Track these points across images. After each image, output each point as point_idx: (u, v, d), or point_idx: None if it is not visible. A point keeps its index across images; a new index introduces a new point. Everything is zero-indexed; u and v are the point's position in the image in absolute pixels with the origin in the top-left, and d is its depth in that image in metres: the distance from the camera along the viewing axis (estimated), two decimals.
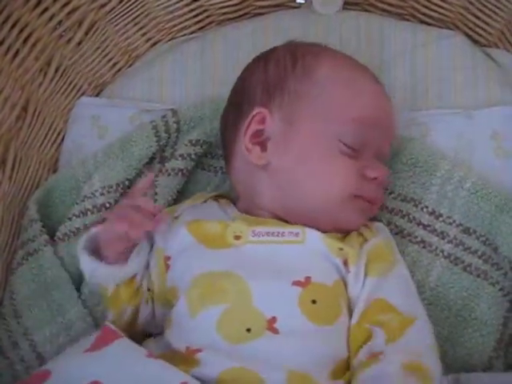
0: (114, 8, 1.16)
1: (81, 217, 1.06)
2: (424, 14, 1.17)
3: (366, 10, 1.20)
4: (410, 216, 1.03)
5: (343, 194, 0.90)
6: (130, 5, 1.17)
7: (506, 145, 1.07)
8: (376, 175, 0.92)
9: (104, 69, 1.21)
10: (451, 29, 1.16)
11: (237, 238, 0.89)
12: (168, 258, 0.93)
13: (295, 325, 0.83)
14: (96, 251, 0.91)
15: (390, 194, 1.05)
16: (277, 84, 0.95)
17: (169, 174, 1.08)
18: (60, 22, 1.11)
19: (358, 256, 0.88)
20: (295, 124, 0.92)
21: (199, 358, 0.81)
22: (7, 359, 1.01)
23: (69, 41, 1.14)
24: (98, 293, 0.97)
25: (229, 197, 1.02)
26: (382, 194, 0.96)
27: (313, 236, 0.88)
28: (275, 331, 0.81)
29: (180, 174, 1.08)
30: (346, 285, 0.88)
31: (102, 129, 1.18)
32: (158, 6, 1.19)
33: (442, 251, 1.01)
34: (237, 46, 1.18)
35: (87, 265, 0.91)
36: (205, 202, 1.00)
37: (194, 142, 1.09)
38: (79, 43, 1.16)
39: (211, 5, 1.21)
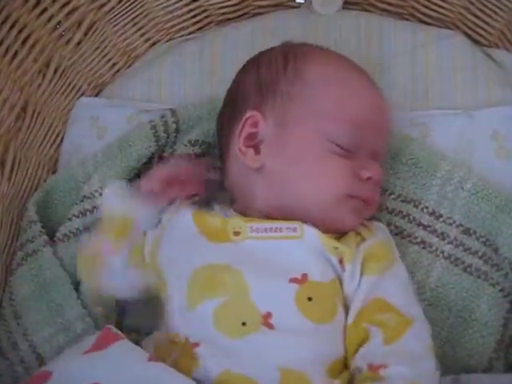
0: (113, 8, 1.16)
1: (80, 217, 1.06)
2: (424, 14, 1.16)
3: (366, 10, 1.19)
4: (411, 217, 1.03)
5: (337, 195, 0.90)
6: (129, 5, 1.17)
7: (506, 145, 1.06)
8: (370, 175, 0.91)
9: (103, 69, 1.21)
10: (451, 29, 1.16)
11: (236, 234, 0.89)
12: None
13: (291, 321, 0.83)
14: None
15: (390, 194, 1.05)
16: (269, 86, 0.95)
17: None
18: (59, 23, 1.11)
19: (354, 255, 0.88)
20: (288, 126, 0.92)
21: (197, 355, 0.81)
22: (7, 360, 1.01)
23: (68, 41, 1.14)
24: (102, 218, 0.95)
25: (226, 198, 1.02)
26: (378, 194, 0.96)
27: (310, 232, 0.88)
28: (270, 327, 0.82)
29: None
30: (341, 283, 0.88)
31: (101, 129, 1.18)
32: (157, 6, 1.19)
33: (443, 252, 1.01)
34: (236, 46, 1.18)
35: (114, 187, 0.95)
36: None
37: (192, 142, 1.09)
38: (78, 44, 1.16)
39: (210, 5, 1.20)
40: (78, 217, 1.06)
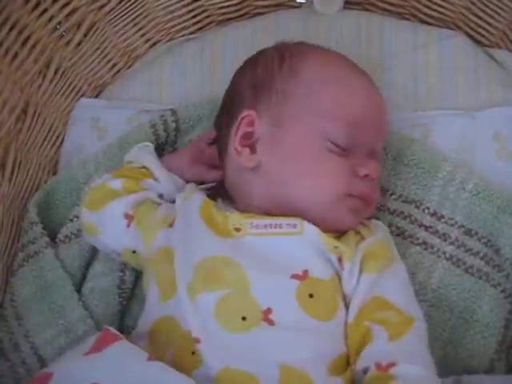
0: (113, 9, 1.16)
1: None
2: (425, 14, 1.16)
3: (367, 10, 1.19)
4: (412, 217, 1.03)
5: (335, 193, 0.89)
6: (130, 5, 1.17)
7: (508, 146, 1.06)
8: (367, 172, 0.91)
9: (103, 70, 1.21)
10: (452, 29, 1.16)
11: (237, 230, 0.89)
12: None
13: (291, 318, 0.83)
14: None
15: (392, 195, 1.05)
16: (264, 85, 0.94)
17: None
18: (59, 24, 1.11)
19: (353, 253, 0.87)
20: (283, 125, 0.92)
21: (198, 351, 0.81)
22: (9, 361, 1.02)
23: (68, 42, 1.14)
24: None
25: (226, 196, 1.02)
26: (376, 193, 0.95)
27: (310, 229, 0.88)
28: (271, 322, 0.81)
29: None
30: (340, 281, 0.87)
31: (102, 130, 1.17)
32: (158, 6, 1.18)
33: (444, 253, 1.01)
34: (236, 46, 1.18)
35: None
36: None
37: None
38: (78, 44, 1.16)
39: (211, 5, 1.20)
40: (79, 218, 1.06)
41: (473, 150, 1.07)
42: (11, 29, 1.02)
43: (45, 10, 1.07)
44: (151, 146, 1.07)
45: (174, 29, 1.22)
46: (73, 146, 1.17)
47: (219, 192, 0.99)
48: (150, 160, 1.03)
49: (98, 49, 1.18)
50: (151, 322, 0.87)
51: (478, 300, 0.98)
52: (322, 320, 0.84)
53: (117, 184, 0.99)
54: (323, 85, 0.93)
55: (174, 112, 1.11)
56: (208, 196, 0.95)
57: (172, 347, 0.82)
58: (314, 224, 0.88)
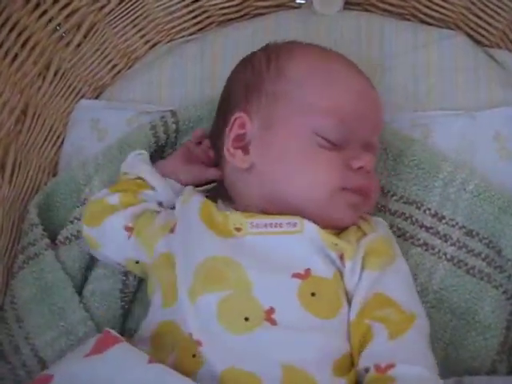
0: (112, 10, 1.16)
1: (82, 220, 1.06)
2: (425, 14, 1.16)
3: (367, 10, 1.19)
4: (413, 218, 1.03)
5: (329, 188, 0.88)
6: (129, 6, 1.17)
7: (508, 146, 1.06)
8: (361, 164, 0.90)
9: (103, 71, 1.20)
10: (452, 29, 1.15)
11: (238, 229, 0.89)
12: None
13: (294, 317, 0.83)
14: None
15: (393, 196, 1.05)
16: (254, 88, 0.95)
17: None
18: (59, 25, 1.11)
19: (355, 251, 0.87)
20: (273, 126, 0.92)
21: (200, 354, 0.81)
22: (9, 364, 1.01)
23: (68, 43, 1.14)
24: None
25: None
26: (374, 186, 0.94)
27: (310, 227, 0.87)
28: (273, 322, 0.81)
29: None
30: (342, 278, 0.87)
31: (102, 131, 1.17)
32: (158, 7, 1.18)
33: (445, 254, 1.01)
34: (237, 47, 1.17)
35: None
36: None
37: None
38: (78, 46, 1.15)
39: (211, 5, 1.20)
40: (79, 219, 1.06)
41: (473, 150, 1.07)
42: (11, 30, 1.02)
43: (45, 12, 1.07)
44: (145, 153, 1.06)
45: (174, 30, 1.22)
46: (73, 148, 1.17)
47: (219, 193, 0.99)
48: (144, 169, 1.03)
49: (97, 50, 1.18)
50: (154, 326, 0.87)
51: (480, 301, 0.98)
52: (325, 318, 0.83)
53: (114, 199, 0.99)
54: (310, 81, 0.93)
55: (173, 113, 1.11)
56: (208, 198, 0.95)
57: (174, 351, 0.82)
58: (314, 222, 0.87)
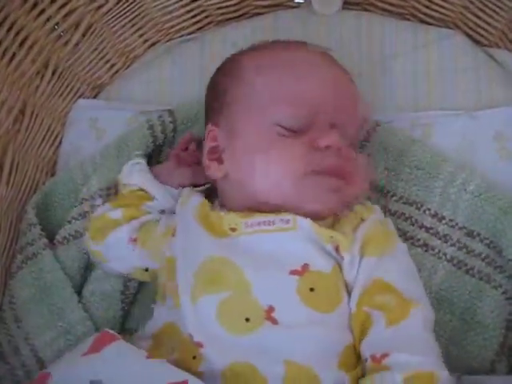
0: (111, 9, 1.15)
1: (80, 220, 1.06)
2: (425, 14, 1.16)
3: (367, 10, 1.19)
4: (413, 219, 1.03)
5: (297, 173, 0.86)
6: (128, 6, 1.16)
7: (508, 146, 1.06)
8: (327, 143, 0.87)
9: (101, 70, 1.20)
10: (452, 28, 1.15)
11: (232, 230, 0.88)
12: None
13: (294, 314, 0.83)
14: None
15: (393, 196, 1.05)
16: (220, 97, 0.96)
17: None
18: (57, 24, 1.10)
19: (351, 242, 0.86)
20: (236, 130, 0.92)
21: (201, 355, 0.81)
22: (8, 364, 1.01)
23: (66, 43, 1.14)
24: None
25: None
26: (352, 166, 0.89)
27: (303, 223, 0.86)
28: (274, 321, 0.81)
29: None
30: (341, 270, 0.87)
31: (100, 131, 1.17)
32: (156, 6, 1.18)
33: (445, 254, 1.01)
34: (236, 47, 1.17)
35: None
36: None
37: None
38: (76, 45, 1.15)
39: (209, 5, 1.20)
40: (77, 219, 1.06)
41: (473, 150, 1.07)
42: (9, 29, 1.02)
43: (42, 11, 1.07)
44: (143, 162, 1.05)
45: (172, 29, 1.22)
46: (71, 147, 1.17)
47: (216, 193, 0.99)
48: (143, 180, 1.02)
49: (96, 49, 1.18)
50: (156, 328, 0.87)
51: (479, 301, 0.98)
52: (325, 312, 0.83)
53: (117, 214, 1.00)
54: (264, 75, 0.92)
55: (171, 112, 1.11)
56: (207, 197, 0.95)
57: (174, 352, 0.82)
58: (304, 215, 0.86)
